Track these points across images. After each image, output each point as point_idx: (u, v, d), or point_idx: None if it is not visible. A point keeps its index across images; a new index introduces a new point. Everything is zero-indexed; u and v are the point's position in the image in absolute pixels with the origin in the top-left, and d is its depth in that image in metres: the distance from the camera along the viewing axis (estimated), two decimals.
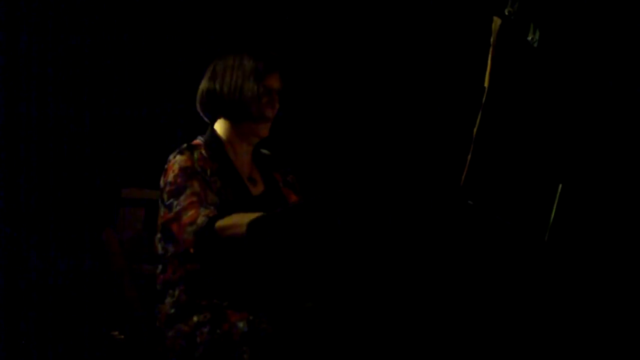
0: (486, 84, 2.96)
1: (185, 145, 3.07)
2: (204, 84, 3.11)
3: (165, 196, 3.00)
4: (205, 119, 3.16)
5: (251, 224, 2.80)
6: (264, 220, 2.82)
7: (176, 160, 3.01)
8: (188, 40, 4.37)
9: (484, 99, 2.95)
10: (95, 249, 4.01)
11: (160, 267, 3.04)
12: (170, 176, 3.00)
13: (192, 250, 2.90)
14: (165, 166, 3.05)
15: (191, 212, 2.90)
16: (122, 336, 3.38)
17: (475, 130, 2.94)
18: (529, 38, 2.98)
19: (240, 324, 2.90)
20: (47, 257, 4.04)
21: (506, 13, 2.97)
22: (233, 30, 4.36)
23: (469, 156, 2.92)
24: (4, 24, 3.99)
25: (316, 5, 4.38)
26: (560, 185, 3.05)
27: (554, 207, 3.04)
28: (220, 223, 2.86)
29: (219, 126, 3.13)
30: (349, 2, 4.34)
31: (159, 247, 3.02)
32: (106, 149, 4.21)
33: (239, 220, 2.85)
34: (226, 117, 3.11)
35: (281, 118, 3.14)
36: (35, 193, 4.08)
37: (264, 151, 3.24)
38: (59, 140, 4.13)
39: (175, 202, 2.95)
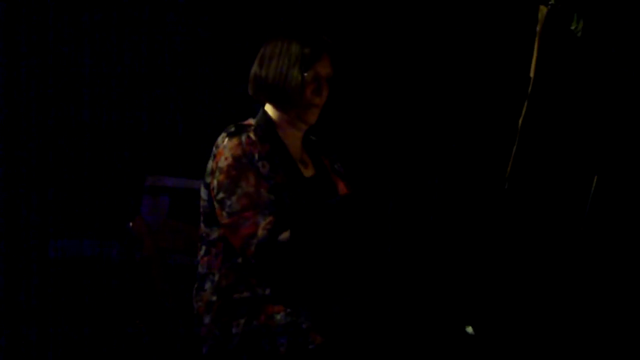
0: (532, 74, 2.92)
1: (233, 128, 2.96)
2: (253, 68, 3.02)
3: (214, 182, 2.91)
4: (259, 102, 3.08)
5: (295, 222, 2.76)
6: (308, 217, 2.77)
7: (226, 146, 2.91)
8: (220, 23, 4.31)
9: (529, 89, 2.91)
10: (120, 237, 3.97)
11: (203, 248, 2.98)
12: (223, 163, 2.90)
13: (253, 261, 2.85)
14: (214, 150, 2.94)
15: (249, 222, 2.84)
16: (142, 325, 3.35)
17: (520, 120, 2.90)
18: (572, 27, 2.93)
19: (278, 316, 2.86)
20: (71, 244, 4.00)
21: (552, 2, 2.92)
22: (275, 15, 4.29)
23: (515, 147, 2.88)
24: None
25: None
26: (596, 177, 3.01)
27: (590, 199, 3.01)
28: (284, 237, 2.82)
29: (270, 110, 3.05)
30: None
31: (202, 228, 2.97)
32: (131, 136, 4.16)
33: None
34: (272, 103, 3.04)
35: (329, 105, 3.06)
36: (58, 180, 4.03)
37: (311, 137, 3.17)
38: (82, 127, 4.09)
39: (227, 202, 2.87)
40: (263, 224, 2.83)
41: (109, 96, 4.16)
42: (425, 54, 4.16)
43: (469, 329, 2.99)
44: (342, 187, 3.11)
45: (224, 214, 2.88)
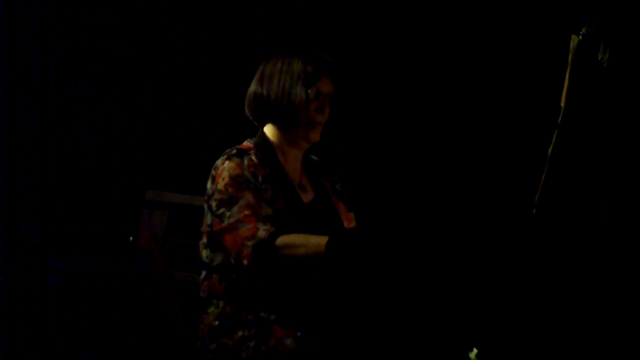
0: (562, 104, 2.90)
1: (234, 151, 2.93)
2: (252, 88, 3.00)
3: (214, 203, 2.87)
4: (255, 123, 3.04)
5: (330, 244, 2.70)
6: (342, 241, 2.71)
7: (225, 167, 2.88)
8: (218, 39, 4.27)
9: (560, 118, 2.89)
10: (118, 251, 3.88)
11: (203, 273, 2.92)
12: (221, 184, 2.86)
13: (245, 263, 2.76)
14: (213, 172, 2.91)
15: (249, 226, 2.78)
16: (137, 345, 3.27)
17: (550, 149, 2.88)
18: (599, 57, 2.91)
19: (288, 341, 2.81)
20: (68, 259, 3.92)
21: (583, 31, 2.90)
22: (277, 31, 4.25)
23: (544, 176, 2.86)
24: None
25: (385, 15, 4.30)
26: (605, 209, 2.99)
27: (600, 228, 2.99)
28: (281, 240, 2.76)
29: (269, 130, 3.01)
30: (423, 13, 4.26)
31: (204, 253, 2.90)
32: (130, 150, 4.09)
33: (301, 240, 2.76)
34: (275, 123, 2.98)
35: (334, 123, 3.03)
36: (57, 194, 4.01)
37: (313, 157, 3.13)
38: (82, 140, 4.03)
39: (227, 213, 2.82)
40: (263, 227, 2.77)
41: (110, 108, 4.09)
42: (457, 79, 4.14)
43: (473, 355, 2.95)
44: (342, 209, 3.06)
45: (225, 224, 2.81)
